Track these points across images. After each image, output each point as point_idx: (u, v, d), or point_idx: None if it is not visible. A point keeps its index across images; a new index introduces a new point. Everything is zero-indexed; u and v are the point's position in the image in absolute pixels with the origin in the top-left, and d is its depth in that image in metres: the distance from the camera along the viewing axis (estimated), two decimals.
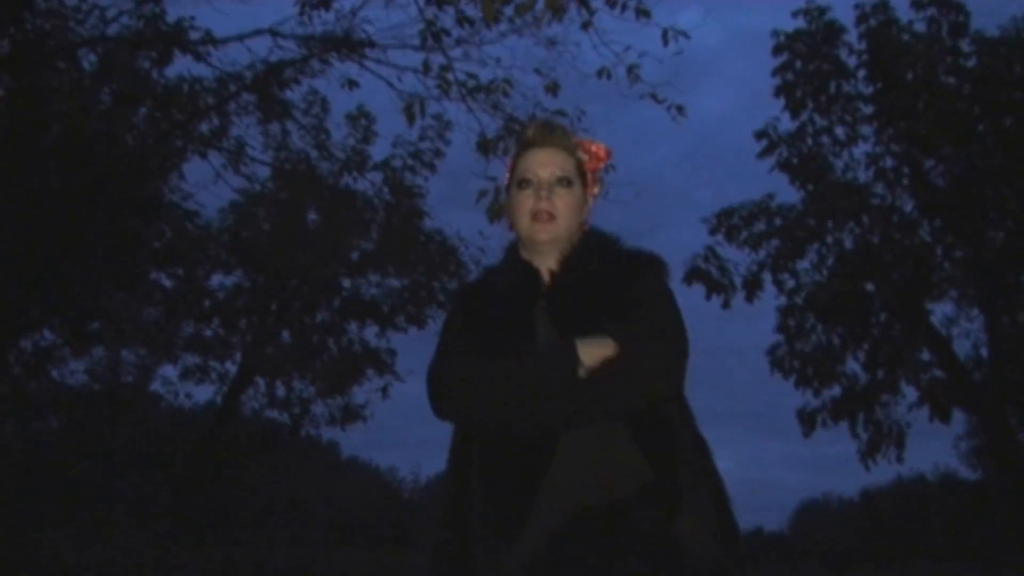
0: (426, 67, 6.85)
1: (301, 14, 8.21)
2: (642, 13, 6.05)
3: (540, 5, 5.45)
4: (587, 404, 1.89)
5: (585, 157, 2.24)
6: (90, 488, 17.03)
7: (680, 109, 6.74)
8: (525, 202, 2.15)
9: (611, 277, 2.07)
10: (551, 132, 2.23)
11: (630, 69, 6.35)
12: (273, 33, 8.79)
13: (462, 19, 6.29)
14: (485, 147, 6.11)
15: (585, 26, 5.74)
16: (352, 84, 8.88)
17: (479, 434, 1.99)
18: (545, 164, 2.16)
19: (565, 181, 2.16)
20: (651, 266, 2.12)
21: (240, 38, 8.77)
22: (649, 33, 6.39)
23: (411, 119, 6.41)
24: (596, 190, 2.27)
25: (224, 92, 10.24)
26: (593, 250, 2.16)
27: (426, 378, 2.10)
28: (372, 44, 8.77)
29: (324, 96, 13.54)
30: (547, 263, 2.14)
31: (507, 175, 2.28)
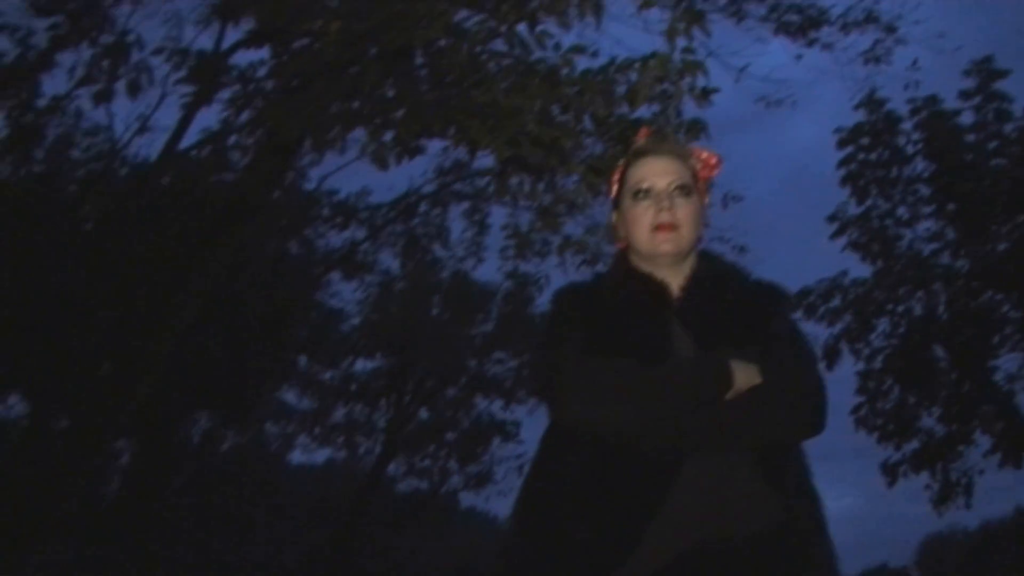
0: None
1: (436, 177, 10.33)
2: None
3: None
4: (731, 428, 1.76)
5: (698, 165, 2.14)
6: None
7: (742, 249, 8.45)
8: (644, 214, 2.02)
9: (747, 304, 1.97)
10: (663, 140, 2.19)
11: None
12: (418, 195, 10.92)
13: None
14: None
15: None
16: (482, 225, 10.91)
17: (593, 445, 1.79)
18: (662, 173, 2.04)
19: (685, 190, 2.03)
20: (787, 301, 2.03)
21: (393, 204, 10.94)
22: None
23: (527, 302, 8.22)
24: (707, 199, 2.16)
25: (373, 226, 12.41)
26: (720, 272, 2.06)
27: (543, 373, 1.91)
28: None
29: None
30: (668, 277, 2.02)
31: (614, 187, 2.16)
